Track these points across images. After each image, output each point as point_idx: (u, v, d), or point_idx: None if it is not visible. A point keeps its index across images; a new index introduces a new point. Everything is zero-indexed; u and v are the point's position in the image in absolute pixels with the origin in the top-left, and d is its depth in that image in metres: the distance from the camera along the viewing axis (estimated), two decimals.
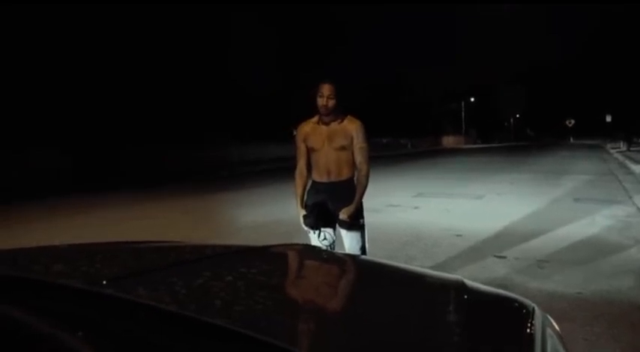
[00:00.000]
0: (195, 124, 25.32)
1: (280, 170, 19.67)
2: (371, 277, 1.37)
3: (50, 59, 19.37)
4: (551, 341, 1.00)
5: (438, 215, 7.48)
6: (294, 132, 3.28)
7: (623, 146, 29.37)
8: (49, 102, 19.09)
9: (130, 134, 20.49)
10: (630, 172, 14.15)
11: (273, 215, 7.80)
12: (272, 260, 1.39)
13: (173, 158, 20.32)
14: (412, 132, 47.49)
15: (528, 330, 0.99)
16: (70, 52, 20.12)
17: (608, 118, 45.87)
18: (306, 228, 3.15)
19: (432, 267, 4.50)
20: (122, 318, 0.82)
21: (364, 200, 3.13)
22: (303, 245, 1.62)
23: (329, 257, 1.49)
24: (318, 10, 40.04)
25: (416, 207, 8.13)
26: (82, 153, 16.98)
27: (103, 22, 21.49)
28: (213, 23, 28.25)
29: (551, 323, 1.15)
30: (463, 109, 63.96)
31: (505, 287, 1.52)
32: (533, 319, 1.06)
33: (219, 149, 23.64)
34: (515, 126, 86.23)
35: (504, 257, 4.92)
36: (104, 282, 0.95)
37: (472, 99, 65.73)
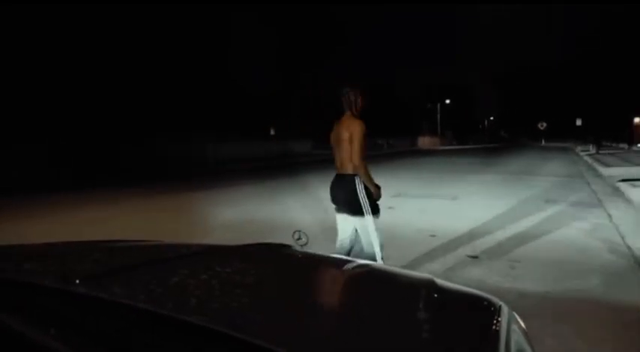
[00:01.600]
0: (182, 122, 25.26)
1: (261, 169, 19.63)
2: (344, 275, 1.40)
3: (42, 58, 19.18)
4: (515, 337, 1.04)
5: (413, 215, 7.56)
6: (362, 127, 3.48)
7: (592, 149, 30.19)
8: (32, 100, 18.84)
9: (112, 132, 20.37)
10: (598, 175, 14.55)
11: (248, 214, 7.79)
12: (248, 258, 1.40)
13: (154, 156, 20.15)
14: (388, 133, 47.86)
15: (494, 327, 1.03)
16: (65, 52, 20.00)
17: (579, 122, 47.09)
18: (377, 217, 3.51)
19: (405, 267, 4.57)
20: (96, 317, 0.83)
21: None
22: (278, 244, 1.64)
23: (304, 256, 1.51)
24: (311, 10, 40.21)
25: (391, 207, 8.21)
26: (59, 152, 16.67)
27: (99, 21, 21.43)
28: (212, 23, 28.23)
29: (517, 319, 1.20)
30: (439, 111, 64.75)
31: (477, 287, 1.55)
32: (499, 316, 1.10)
33: (202, 147, 23.52)
34: (490, 128, 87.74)
35: (477, 257, 5.02)
36: (77, 281, 0.95)
37: (447, 101, 66.60)
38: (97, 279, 1.00)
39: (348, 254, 3.71)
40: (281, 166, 21.42)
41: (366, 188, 3.48)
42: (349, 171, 3.49)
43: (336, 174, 3.64)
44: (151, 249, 1.52)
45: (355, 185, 3.48)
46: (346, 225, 3.67)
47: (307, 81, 38.88)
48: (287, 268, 1.42)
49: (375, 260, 3.47)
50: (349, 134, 3.44)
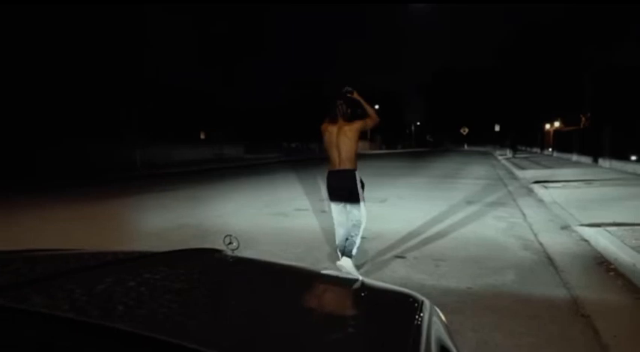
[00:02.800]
0: (110, 126, 24.15)
1: (196, 173, 19.14)
2: (274, 278, 1.42)
3: None
4: (436, 330, 1.11)
5: None
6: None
7: (509, 153, 32.19)
8: None
9: (30, 135, 19.10)
10: (514, 177, 15.57)
11: (179, 220, 7.59)
12: (178, 264, 1.39)
13: (79, 160, 19.12)
14: (320, 137, 48.49)
15: (417, 321, 1.09)
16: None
17: (497, 128, 50.15)
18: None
19: (337, 268, 4.66)
20: (13, 329, 0.79)
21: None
22: (209, 249, 1.63)
23: (235, 260, 1.52)
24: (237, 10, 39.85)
25: (323, 211, 8.32)
26: None
27: (17, 19, 20.20)
28: (136, 24, 27.05)
29: (439, 314, 1.27)
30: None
31: (403, 285, 1.63)
32: (422, 311, 1.17)
33: (130, 151, 22.57)
34: (416, 133, 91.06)
35: (404, 257, 5.21)
36: None
37: (377, 107, 68.44)
38: (14, 290, 0.95)
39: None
40: (212, 170, 21.04)
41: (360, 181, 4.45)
42: (349, 167, 4.40)
43: (335, 170, 4.45)
44: (74, 258, 1.46)
45: (356, 178, 4.43)
46: (342, 213, 4.57)
47: (237, 82, 38.74)
48: (218, 272, 1.42)
49: (356, 235, 4.48)
50: (353, 133, 4.41)
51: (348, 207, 4.52)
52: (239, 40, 38.91)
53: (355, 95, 4.53)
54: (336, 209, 4.61)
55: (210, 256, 1.55)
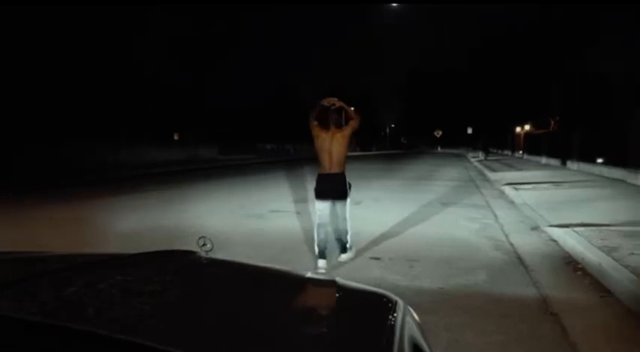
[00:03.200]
0: (78, 127, 23.66)
1: (170, 173, 18.88)
2: (249, 279, 1.41)
3: None
4: (409, 328, 1.12)
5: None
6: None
7: (481, 156, 32.75)
8: None
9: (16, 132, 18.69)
10: (487, 179, 15.85)
11: (154, 221, 7.47)
12: (151, 266, 1.37)
13: (50, 162, 18.68)
14: (295, 139, 48.40)
15: (389, 321, 1.10)
16: None
17: (469, 130, 51.00)
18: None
19: (311, 269, 4.66)
20: None
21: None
22: (183, 250, 1.61)
23: (209, 262, 1.50)
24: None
25: (298, 213, 8.33)
26: None
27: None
28: (122, 23, 26.46)
29: (412, 313, 1.29)
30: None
31: (378, 286, 1.64)
32: (395, 311, 1.18)
33: (102, 152, 22.10)
34: (391, 135, 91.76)
35: (379, 258, 5.25)
36: None
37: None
38: None
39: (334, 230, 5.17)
40: (187, 172, 20.79)
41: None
42: (339, 170, 4.86)
43: (326, 173, 4.89)
44: (42, 261, 1.42)
45: (346, 179, 4.93)
46: (327, 211, 4.98)
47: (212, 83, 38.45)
48: (191, 274, 1.40)
49: (346, 231, 5.02)
50: (345, 139, 4.86)
51: (336, 204, 4.98)
52: (222, 41, 38.59)
53: (338, 104, 4.91)
54: (322, 208, 4.96)
55: (183, 258, 1.54)
